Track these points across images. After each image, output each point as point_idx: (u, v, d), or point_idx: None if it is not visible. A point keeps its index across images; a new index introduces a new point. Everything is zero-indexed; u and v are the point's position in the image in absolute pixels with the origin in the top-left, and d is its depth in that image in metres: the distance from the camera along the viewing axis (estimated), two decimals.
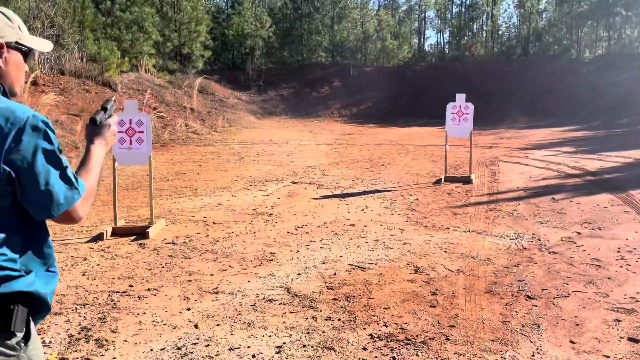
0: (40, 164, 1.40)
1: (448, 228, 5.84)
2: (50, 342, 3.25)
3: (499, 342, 3.14)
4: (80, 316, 3.61)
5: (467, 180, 8.60)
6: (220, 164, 11.13)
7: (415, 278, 4.28)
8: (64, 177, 1.45)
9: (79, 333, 3.35)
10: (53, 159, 1.43)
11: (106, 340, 3.25)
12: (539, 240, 5.26)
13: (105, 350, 3.13)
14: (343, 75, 29.83)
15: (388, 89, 28.26)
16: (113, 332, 3.38)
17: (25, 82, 13.39)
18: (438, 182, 8.65)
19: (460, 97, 8.72)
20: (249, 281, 4.25)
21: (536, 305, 3.65)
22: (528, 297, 3.80)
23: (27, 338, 1.43)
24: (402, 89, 27.98)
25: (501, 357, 2.98)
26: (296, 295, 3.94)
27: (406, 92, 27.74)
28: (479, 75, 26.96)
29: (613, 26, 28.82)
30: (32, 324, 1.46)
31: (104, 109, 1.71)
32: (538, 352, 3.02)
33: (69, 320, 3.55)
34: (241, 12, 28.55)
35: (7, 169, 1.36)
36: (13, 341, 1.39)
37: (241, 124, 20.59)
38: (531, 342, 3.14)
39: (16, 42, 1.52)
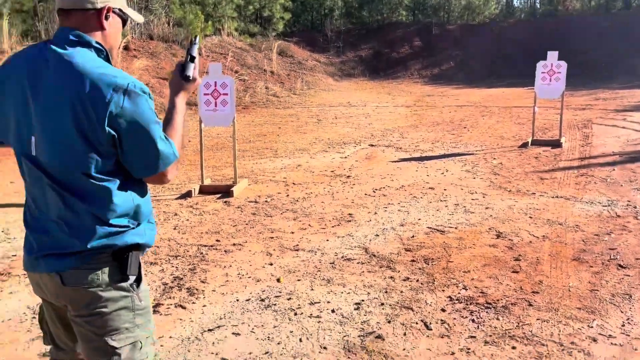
0: (141, 127, 1.47)
1: (534, 193, 5.61)
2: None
3: (586, 311, 3.03)
4: (172, 266, 3.88)
5: (556, 144, 8.15)
6: (299, 126, 11.27)
7: (497, 243, 4.18)
8: (162, 141, 1.53)
9: (172, 282, 3.61)
10: (152, 123, 1.50)
11: (196, 290, 3.48)
12: (635, 207, 4.92)
13: (196, 299, 3.35)
14: (424, 35, 28.81)
15: (472, 47, 27.00)
16: (202, 282, 3.60)
17: (119, 47, 14.17)
18: (524, 145, 8.26)
19: (552, 55, 8.18)
20: (327, 240, 4.35)
21: (629, 275, 3.46)
22: (620, 266, 3.60)
23: (138, 280, 1.59)
24: (488, 47, 26.62)
25: (588, 325, 2.87)
26: (374, 256, 3.98)
27: (492, 51, 26.37)
28: (574, 32, 25.02)
29: None
30: (142, 268, 1.62)
31: (192, 59, 1.73)
32: (629, 322, 2.88)
33: (163, 270, 3.83)
34: None
35: (112, 132, 1.44)
36: (127, 283, 1.56)
37: (319, 87, 20.62)
38: (622, 312, 3.00)
39: (119, 9, 1.59)
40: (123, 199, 1.53)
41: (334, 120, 12.22)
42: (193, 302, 3.30)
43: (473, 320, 2.98)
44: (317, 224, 4.77)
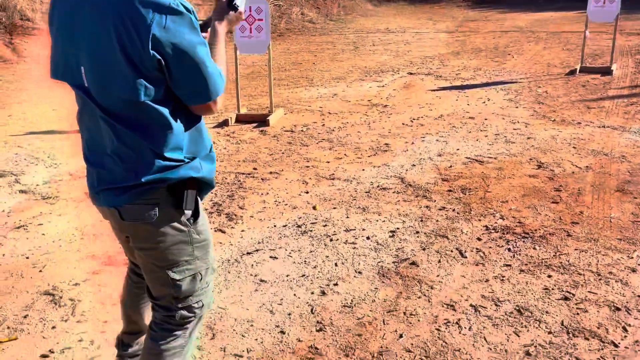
0: (188, 50, 1.38)
1: (579, 123, 5.39)
2: None
3: (627, 242, 2.97)
4: (211, 193, 3.97)
5: (606, 71, 7.72)
6: (336, 54, 11.00)
7: (538, 174, 4.09)
8: (211, 65, 1.45)
9: (211, 207, 3.71)
10: (200, 45, 1.41)
11: (235, 215, 3.57)
12: None
13: (235, 224, 3.45)
14: None
15: None
16: (241, 208, 3.69)
17: None
18: (572, 72, 7.86)
19: None
20: (363, 170, 4.34)
21: None
22: None
23: (195, 216, 1.59)
24: None
25: (628, 256, 2.83)
26: (410, 185, 3.97)
27: None
28: None
29: None
30: (200, 203, 1.62)
31: None
32: None
33: None
34: None
35: (157, 56, 1.35)
36: (184, 218, 1.56)
37: (357, 12, 19.89)
38: None
39: None
40: (175, 130, 1.48)
41: (372, 47, 11.85)
42: (232, 227, 3.39)
43: (509, 250, 2.97)
44: (353, 154, 4.75)
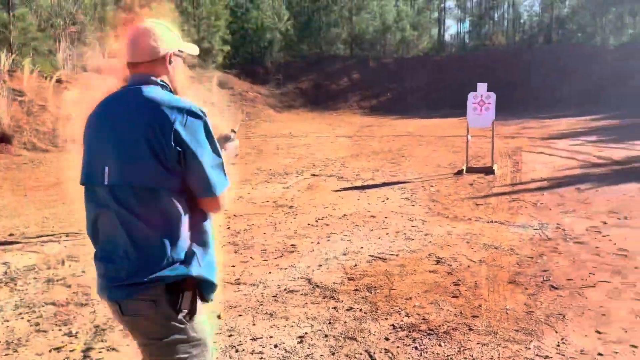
0: (204, 145, 1.64)
1: (470, 219, 5.78)
2: (76, 332, 3.31)
3: (523, 333, 3.11)
4: (105, 307, 3.66)
5: (489, 171, 8.50)
6: (240, 157, 11.17)
7: (437, 269, 4.25)
8: (221, 163, 1.69)
9: (104, 323, 3.41)
10: (214, 143, 1.67)
11: None
12: (564, 230, 5.17)
13: (131, 340, 3.17)
14: (362, 67, 29.64)
15: (408, 80, 28.02)
16: None
17: (50, 79, 13.64)
18: (459, 173, 8.56)
19: (482, 87, 8.60)
20: (270, 272, 4.27)
21: (561, 296, 3.59)
22: (553, 287, 3.74)
23: (192, 314, 1.67)
24: (422, 80, 27.70)
25: (525, 347, 2.94)
26: (317, 286, 3.94)
27: (426, 83, 27.46)
28: (501, 65, 26.54)
29: (639, 12, 28.03)
30: (198, 302, 1.70)
31: (233, 131, 2.05)
32: (563, 342, 2.97)
33: (94, 311, 3.62)
34: (259, 5, 28.56)
35: (178, 148, 1.59)
36: (180, 316, 1.64)
37: (260, 118, 20.67)
38: (556, 332, 3.10)
39: (178, 50, 1.81)
40: (184, 222, 1.64)
41: (276, 150, 12.22)
42: (127, 345, 3.12)
43: (416, 348, 2.98)
44: (259, 256, 4.69)
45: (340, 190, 7.55)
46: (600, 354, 2.84)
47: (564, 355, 2.85)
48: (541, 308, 3.43)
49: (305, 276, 4.16)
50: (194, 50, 1.89)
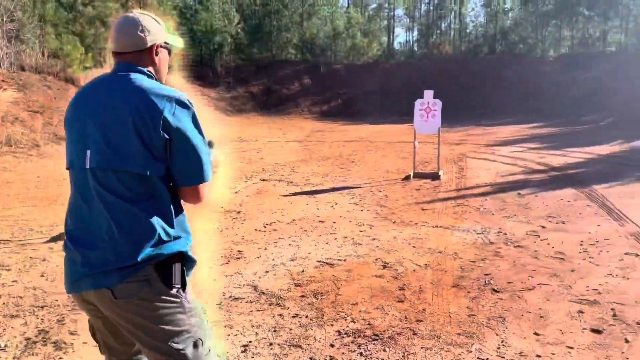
0: (192, 133, 1.65)
1: (416, 223, 5.87)
2: (6, 345, 3.11)
3: (466, 336, 3.16)
4: (38, 318, 3.47)
5: (435, 177, 8.67)
6: None
7: (384, 273, 4.27)
8: (206, 155, 1.70)
9: (36, 336, 3.22)
10: (199, 135, 1.69)
11: (65, 343, 3.13)
12: (505, 234, 5.33)
13: (64, 353, 3.01)
14: (313, 73, 29.76)
15: (358, 86, 28.34)
16: (72, 334, 3.26)
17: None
18: (407, 178, 8.69)
19: (428, 94, 8.78)
20: (215, 280, 4.17)
21: (502, 299, 3.68)
22: (494, 290, 3.83)
23: (184, 287, 1.69)
24: (372, 86, 28.09)
25: (467, 350, 2.99)
26: (263, 293, 3.88)
27: (376, 90, 27.86)
28: (448, 73, 27.29)
29: (576, 25, 29.54)
30: (186, 275, 1.72)
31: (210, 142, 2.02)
32: (503, 345, 3.04)
33: (26, 323, 3.41)
34: (209, 7, 28.18)
35: (166, 136, 1.60)
36: (174, 290, 1.66)
37: (209, 122, 20.33)
38: (497, 334, 3.17)
39: (165, 42, 1.80)
40: (175, 206, 1.68)
41: (225, 155, 12.04)
42: (60, 358, 2.95)
43: (361, 354, 2.97)
44: (204, 263, 4.57)
45: (289, 195, 7.51)
46: (538, 356, 2.92)
47: (503, 357, 2.91)
48: (483, 311, 3.50)
49: (251, 283, 4.09)
50: (179, 43, 1.88)
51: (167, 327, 1.65)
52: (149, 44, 1.74)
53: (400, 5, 39.13)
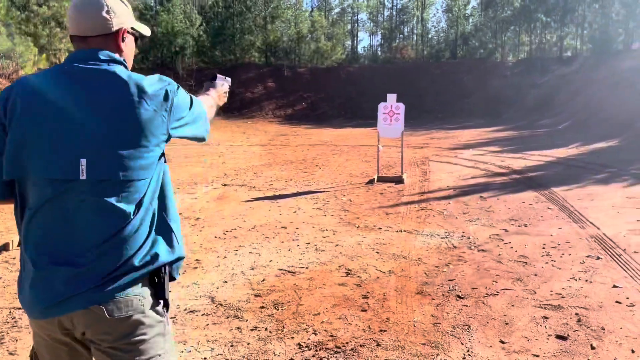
0: (191, 104, 1.57)
1: (380, 228, 5.78)
2: None
3: (430, 346, 3.05)
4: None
5: (399, 180, 8.63)
6: None
7: (347, 281, 4.15)
8: (201, 110, 1.64)
9: None
10: (194, 100, 1.61)
11: None
12: (469, 238, 5.29)
13: None
14: (277, 76, 29.59)
15: (322, 90, 28.33)
16: (11, 354, 3.01)
17: None
18: (371, 182, 8.62)
19: (391, 97, 8.75)
20: (170, 291, 3.95)
21: (466, 305, 3.61)
22: (458, 296, 3.75)
23: (167, 305, 1.52)
24: (337, 90, 28.12)
25: None
26: (221, 305, 3.69)
27: (340, 93, 27.90)
28: (410, 77, 27.57)
29: (534, 31, 30.35)
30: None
31: (217, 77, 2.05)
32: (469, 354, 2.95)
33: None
34: (170, 9, 27.65)
35: (177, 114, 1.51)
36: (159, 307, 1.49)
37: None
38: (462, 343, 3.08)
39: (132, 28, 1.58)
40: (173, 205, 1.54)
41: (185, 159, 11.74)
42: None
43: None
44: None
45: (251, 201, 7.32)
46: None
47: None
48: (447, 319, 3.41)
49: (208, 294, 3.89)
50: (147, 31, 1.67)
51: (146, 349, 1.47)
52: (115, 28, 1.51)
53: (363, 9, 39.41)
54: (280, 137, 17.73)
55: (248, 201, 7.30)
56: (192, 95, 1.62)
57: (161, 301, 1.50)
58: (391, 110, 8.69)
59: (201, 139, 1.68)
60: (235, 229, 5.82)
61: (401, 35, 37.22)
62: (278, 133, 19.40)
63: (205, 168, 10.46)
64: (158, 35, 27.22)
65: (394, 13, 38.22)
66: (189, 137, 1.61)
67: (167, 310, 1.54)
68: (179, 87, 1.55)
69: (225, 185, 8.59)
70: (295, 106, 27.83)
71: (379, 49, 38.48)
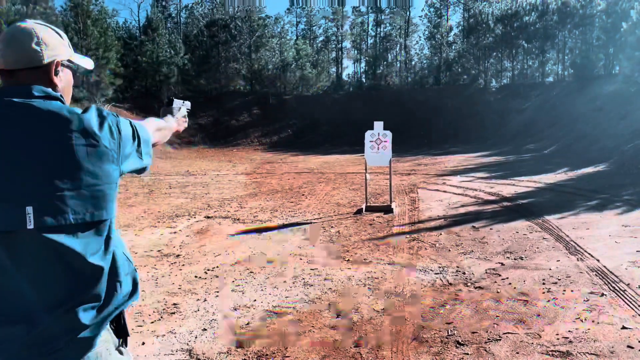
0: (133, 133, 1.48)
1: (371, 261, 5.50)
2: None
3: None
4: None
5: (388, 210, 8.39)
6: (127, 198, 10.25)
7: (337, 324, 3.85)
8: (143, 135, 1.55)
9: None
10: (132, 125, 1.51)
11: None
12: (464, 274, 5.02)
13: None
14: (263, 104, 29.52)
15: (308, 117, 28.28)
16: None
17: None
18: (359, 212, 8.37)
19: (378, 125, 8.57)
20: (143, 343, 3.60)
21: (467, 353, 3.31)
22: (458, 343, 3.46)
23: (125, 339, 1.48)
24: (322, 117, 28.09)
25: None
26: (199, 359, 3.36)
27: (326, 120, 27.86)
28: (395, 104, 27.67)
29: (516, 57, 30.77)
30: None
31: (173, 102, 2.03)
32: None
33: None
34: (155, 38, 27.59)
35: (121, 146, 1.42)
36: (124, 347, 1.46)
37: (155, 154, 19.57)
38: None
39: (68, 60, 1.48)
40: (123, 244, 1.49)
41: (168, 190, 11.41)
42: None
43: None
44: (133, 321, 4.00)
45: (235, 234, 7.01)
46: None
47: None
48: None
49: (185, 345, 3.56)
50: (88, 64, 1.58)
51: None
52: (47, 60, 1.40)
53: (347, 37, 39.80)
54: (266, 165, 17.48)
55: (232, 235, 6.99)
56: (132, 122, 1.52)
57: (121, 339, 1.47)
58: (378, 138, 8.50)
59: (143, 170, 1.59)
60: (217, 266, 5.49)
61: (385, 62, 37.54)
62: (264, 161, 19.16)
63: (188, 199, 10.13)
64: (142, 65, 27.06)
65: (378, 41, 38.63)
66: (137, 169, 1.53)
67: (126, 345, 1.49)
68: (118, 117, 1.46)
69: (208, 217, 8.28)
70: (281, 133, 27.70)
71: (364, 76, 38.75)
